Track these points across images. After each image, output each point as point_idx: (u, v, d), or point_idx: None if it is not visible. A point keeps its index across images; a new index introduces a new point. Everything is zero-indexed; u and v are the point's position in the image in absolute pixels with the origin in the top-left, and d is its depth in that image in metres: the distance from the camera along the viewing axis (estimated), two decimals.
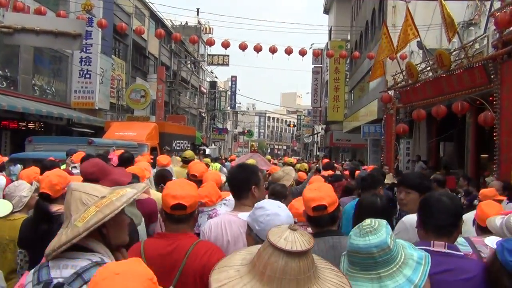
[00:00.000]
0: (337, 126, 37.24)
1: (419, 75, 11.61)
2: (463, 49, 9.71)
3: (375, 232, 1.74)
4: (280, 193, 4.27)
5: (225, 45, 16.53)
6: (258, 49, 16.61)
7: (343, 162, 28.98)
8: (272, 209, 2.27)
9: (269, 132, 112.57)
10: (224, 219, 2.95)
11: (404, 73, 13.03)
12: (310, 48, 28.57)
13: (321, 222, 2.53)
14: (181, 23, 44.38)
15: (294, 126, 76.46)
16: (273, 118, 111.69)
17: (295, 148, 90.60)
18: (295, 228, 1.51)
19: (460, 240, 2.28)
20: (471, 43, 10.10)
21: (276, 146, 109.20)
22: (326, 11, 46.78)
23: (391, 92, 14.95)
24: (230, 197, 3.61)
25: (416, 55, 18.47)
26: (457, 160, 16.57)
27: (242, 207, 2.97)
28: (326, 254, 2.25)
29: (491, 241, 2.17)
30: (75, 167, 6.03)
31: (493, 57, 8.37)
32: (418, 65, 12.19)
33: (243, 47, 16.50)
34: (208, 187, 3.63)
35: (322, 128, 48.15)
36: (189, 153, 7.92)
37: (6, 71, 16.97)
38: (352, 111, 30.53)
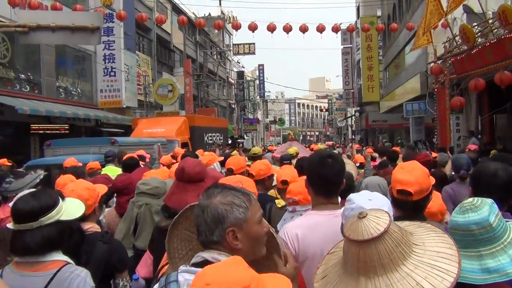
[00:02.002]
0: (372, 107, 35.95)
1: (476, 39, 10.21)
2: None
3: (475, 209, 1.68)
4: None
5: (252, 27, 15.42)
6: (287, 29, 15.47)
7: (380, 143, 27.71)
8: (358, 202, 2.03)
9: (300, 119, 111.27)
10: (312, 221, 2.46)
11: (457, 39, 11.61)
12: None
13: (403, 207, 2.34)
14: (204, 14, 43.67)
15: (326, 110, 74.87)
16: (303, 105, 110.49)
17: (328, 133, 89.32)
18: (361, 216, 1.46)
19: None
20: None
21: (308, 133, 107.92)
22: None
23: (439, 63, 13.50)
24: None
25: (459, 22, 16.93)
26: None
27: (329, 206, 2.50)
28: None
29: None
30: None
31: None
32: (475, 27, 10.77)
33: (271, 28, 15.43)
34: (301, 184, 3.04)
35: (355, 111, 46.66)
36: (257, 149, 7.98)
37: (29, 74, 16.46)
38: (389, 90, 29.04)
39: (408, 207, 2.32)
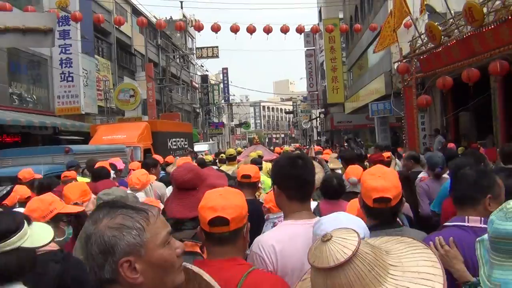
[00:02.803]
0: (336, 109, 36.12)
1: (442, 37, 10.18)
2: None
3: None
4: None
5: (215, 28, 15.01)
6: (251, 30, 15.18)
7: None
8: (328, 216, 1.85)
9: (266, 122, 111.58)
10: (289, 231, 2.17)
11: (423, 37, 11.59)
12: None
13: (381, 216, 2.22)
14: (166, 17, 42.93)
15: (290, 113, 75.25)
16: (268, 108, 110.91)
17: (293, 135, 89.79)
18: (325, 239, 1.27)
19: None
20: None
21: (274, 135, 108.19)
22: None
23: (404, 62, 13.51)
24: None
25: (422, 22, 17.11)
26: (476, 130, 15.27)
27: (304, 213, 2.24)
28: None
29: None
30: None
31: None
32: (440, 26, 10.76)
33: (234, 29, 15.08)
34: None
35: (320, 113, 46.89)
36: (232, 150, 7.96)
37: None
38: (353, 91, 29.20)
39: (386, 214, 2.21)
